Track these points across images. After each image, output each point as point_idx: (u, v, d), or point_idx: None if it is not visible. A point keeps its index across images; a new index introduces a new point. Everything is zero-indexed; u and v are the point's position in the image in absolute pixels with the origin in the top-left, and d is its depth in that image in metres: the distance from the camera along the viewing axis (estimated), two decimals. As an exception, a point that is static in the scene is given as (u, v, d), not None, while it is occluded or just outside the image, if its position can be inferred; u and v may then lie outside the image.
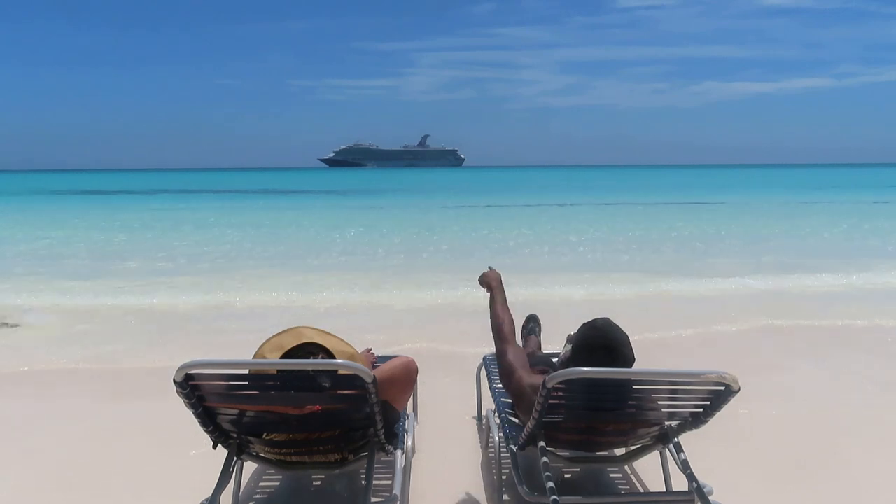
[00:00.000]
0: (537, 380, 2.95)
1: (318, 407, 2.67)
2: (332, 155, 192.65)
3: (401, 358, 3.28)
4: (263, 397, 2.71)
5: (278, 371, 2.65)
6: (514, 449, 3.07)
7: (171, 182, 71.57)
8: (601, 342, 2.78)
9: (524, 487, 2.90)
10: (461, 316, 7.52)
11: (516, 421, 3.29)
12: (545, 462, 2.76)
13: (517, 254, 13.55)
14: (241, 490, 3.17)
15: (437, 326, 7.06)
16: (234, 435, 2.83)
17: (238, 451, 2.85)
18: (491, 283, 3.40)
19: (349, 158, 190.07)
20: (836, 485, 3.39)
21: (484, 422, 3.95)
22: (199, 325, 7.37)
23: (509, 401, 3.33)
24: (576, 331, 2.93)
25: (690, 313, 7.63)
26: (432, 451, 3.83)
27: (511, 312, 3.29)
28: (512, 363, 3.06)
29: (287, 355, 2.71)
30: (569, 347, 2.97)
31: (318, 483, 3.43)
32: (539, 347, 4.23)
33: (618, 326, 2.86)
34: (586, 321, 2.91)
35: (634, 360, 2.82)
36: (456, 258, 12.75)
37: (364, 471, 2.89)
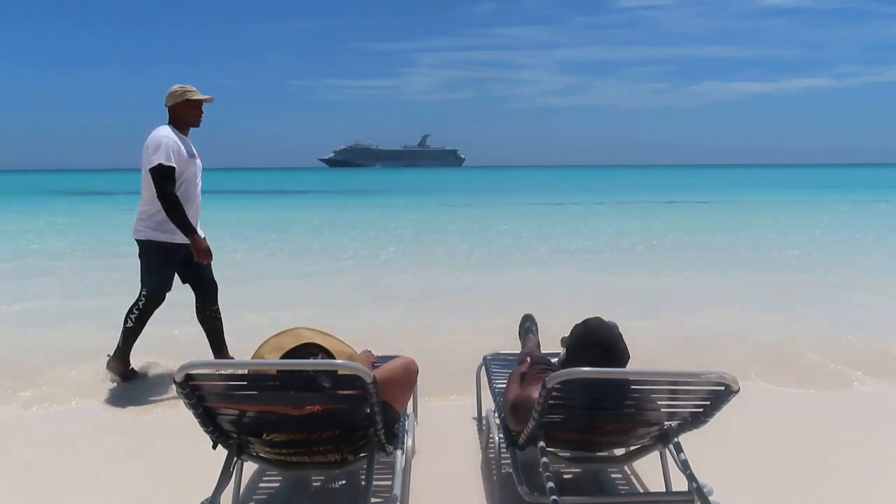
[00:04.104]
0: (529, 391, 2.99)
1: (317, 407, 2.67)
2: (332, 155, 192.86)
3: (401, 358, 3.29)
4: (263, 398, 2.72)
5: (278, 371, 2.66)
6: (515, 449, 3.08)
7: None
8: (595, 338, 2.89)
9: (524, 487, 2.90)
10: (462, 316, 7.52)
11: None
12: (545, 462, 2.77)
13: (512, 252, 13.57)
14: (241, 490, 3.17)
15: (437, 326, 7.05)
16: (234, 435, 2.83)
17: (238, 451, 2.85)
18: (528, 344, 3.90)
19: (349, 158, 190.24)
20: (836, 485, 3.40)
21: (484, 422, 3.95)
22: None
23: None
24: (569, 333, 3.02)
25: (688, 311, 7.65)
26: (432, 451, 3.83)
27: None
28: (511, 381, 3.29)
29: (287, 356, 2.72)
30: (565, 349, 3.02)
31: (318, 483, 3.43)
32: (538, 347, 4.23)
33: (610, 323, 2.97)
34: (578, 321, 3.01)
35: (629, 354, 2.89)
36: (457, 258, 12.75)
37: (364, 471, 2.90)
